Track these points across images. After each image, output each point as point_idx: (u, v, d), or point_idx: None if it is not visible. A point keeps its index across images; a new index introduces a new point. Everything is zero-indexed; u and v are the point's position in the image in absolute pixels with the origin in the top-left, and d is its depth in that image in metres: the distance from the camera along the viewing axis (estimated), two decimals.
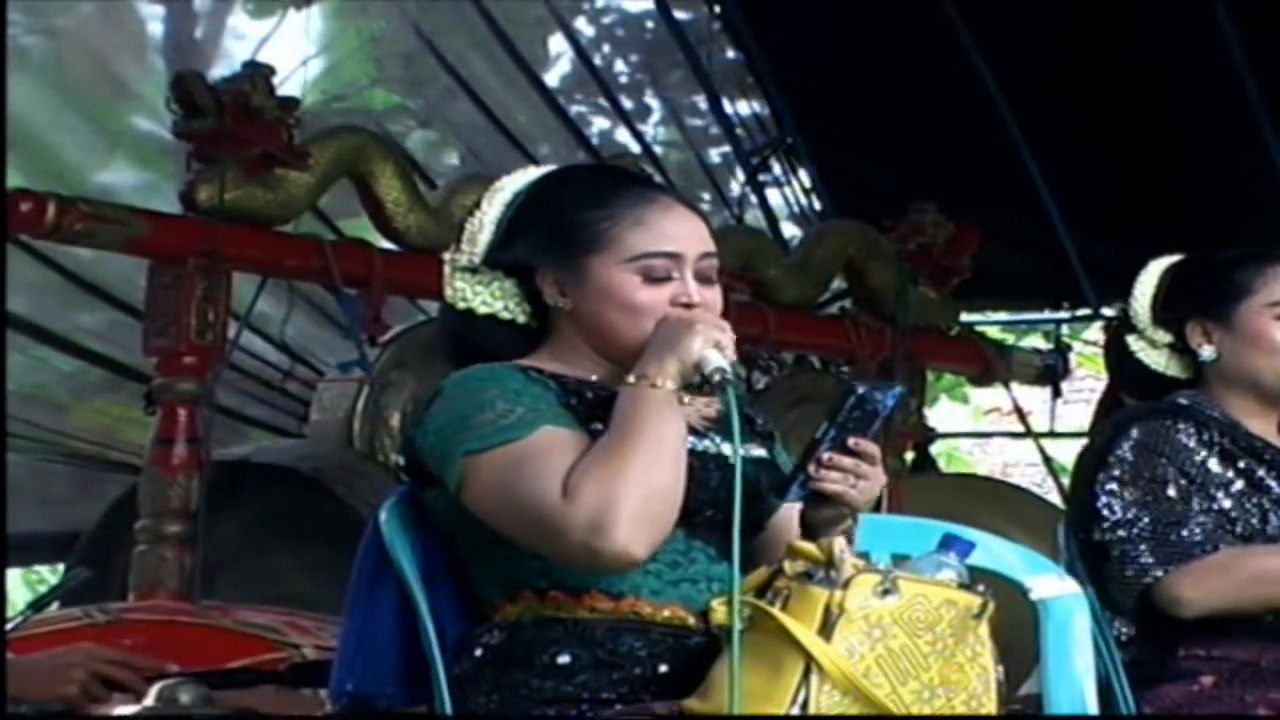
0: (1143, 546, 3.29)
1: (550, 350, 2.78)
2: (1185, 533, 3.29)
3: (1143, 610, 3.32)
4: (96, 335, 6.93)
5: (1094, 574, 3.33)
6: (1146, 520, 3.30)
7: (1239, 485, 3.35)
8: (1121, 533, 3.31)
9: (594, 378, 2.75)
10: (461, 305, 2.80)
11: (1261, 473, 3.36)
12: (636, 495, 2.55)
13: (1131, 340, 3.51)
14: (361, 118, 7.30)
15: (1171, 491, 3.31)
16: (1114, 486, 3.33)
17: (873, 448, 2.70)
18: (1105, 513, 3.32)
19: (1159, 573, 3.28)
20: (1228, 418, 3.40)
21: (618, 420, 2.61)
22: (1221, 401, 3.42)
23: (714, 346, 2.64)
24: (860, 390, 2.68)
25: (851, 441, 2.67)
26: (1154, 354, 3.50)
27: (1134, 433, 3.36)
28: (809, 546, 2.60)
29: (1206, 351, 3.46)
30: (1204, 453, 3.35)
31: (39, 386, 6.87)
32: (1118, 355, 3.56)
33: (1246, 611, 3.32)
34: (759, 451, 2.80)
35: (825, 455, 2.67)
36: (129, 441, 6.84)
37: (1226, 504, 3.33)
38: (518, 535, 2.62)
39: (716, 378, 2.62)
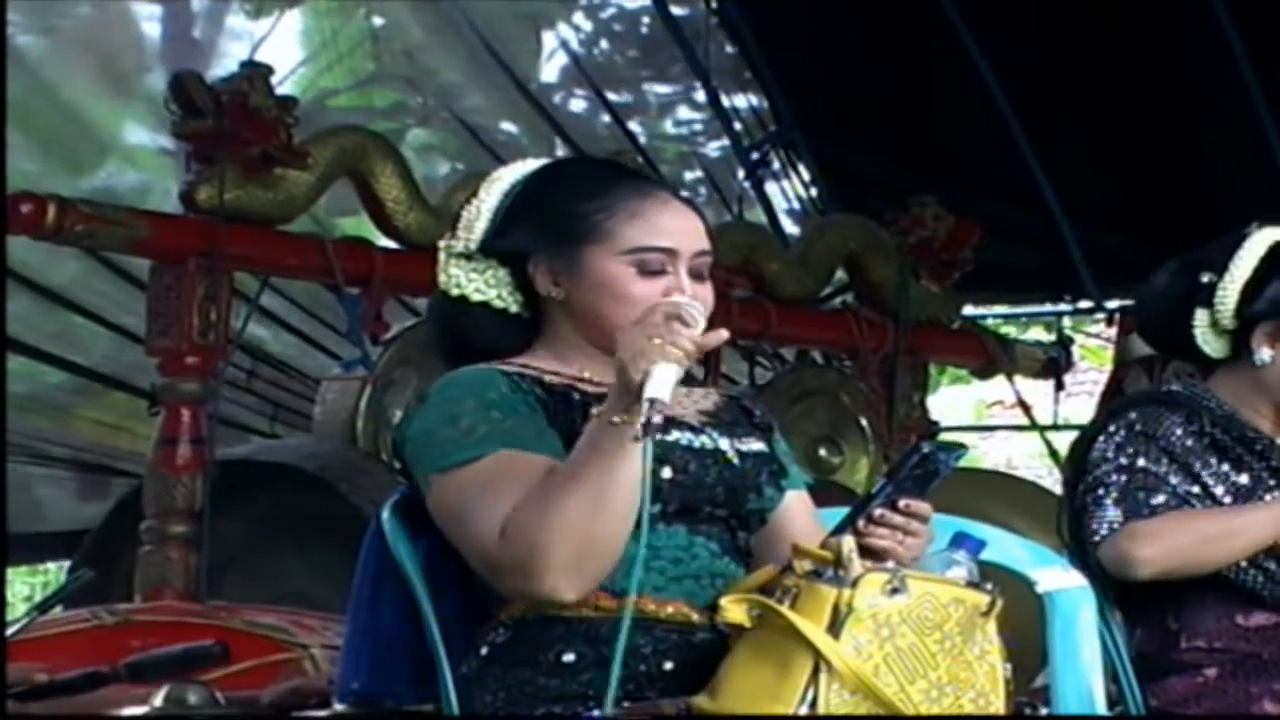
0: (1109, 503, 3.27)
1: (544, 345, 2.78)
2: (1153, 499, 3.27)
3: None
4: (55, 339, 6.94)
5: (1083, 546, 3.32)
6: (1122, 480, 3.28)
7: (1228, 472, 3.34)
8: (1098, 491, 3.29)
9: (586, 374, 2.74)
10: (455, 292, 2.79)
11: (1250, 461, 3.35)
12: (567, 543, 2.54)
13: (1200, 315, 3.39)
14: (360, 115, 7.32)
15: (1149, 464, 3.30)
16: (1100, 462, 3.32)
17: (926, 508, 2.67)
18: (1089, 479, 3.31)
19: (1116, 525, 3.26)
20: (1224, 409, 3.38)
21: (572, 458, 2.58)
22: (1232, 398, 3.39)
23: (664, 361, 2.52)
24: (925, 449, 2.66)
25: (903, 503, 2.64)
26: (1210, 335, 3.40)
27: (1127, 418, 3.35)
28: (816, 548, 2.60)
29: (1265, 355, 3.38)
30: (1192, 440, 3.34)
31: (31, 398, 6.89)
32: (1172, 323, 3.44)
33: (1197, 572, 3.27)
34: (757, 445, 2.80)
35: (877, 511, 2.64)
36: (111, 446, 6.86)
37: (1217, 489, 3.32)
38: (466, 558, 2.65)
39: (646, 409, 2.50)
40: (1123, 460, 3.30)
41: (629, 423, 2.51)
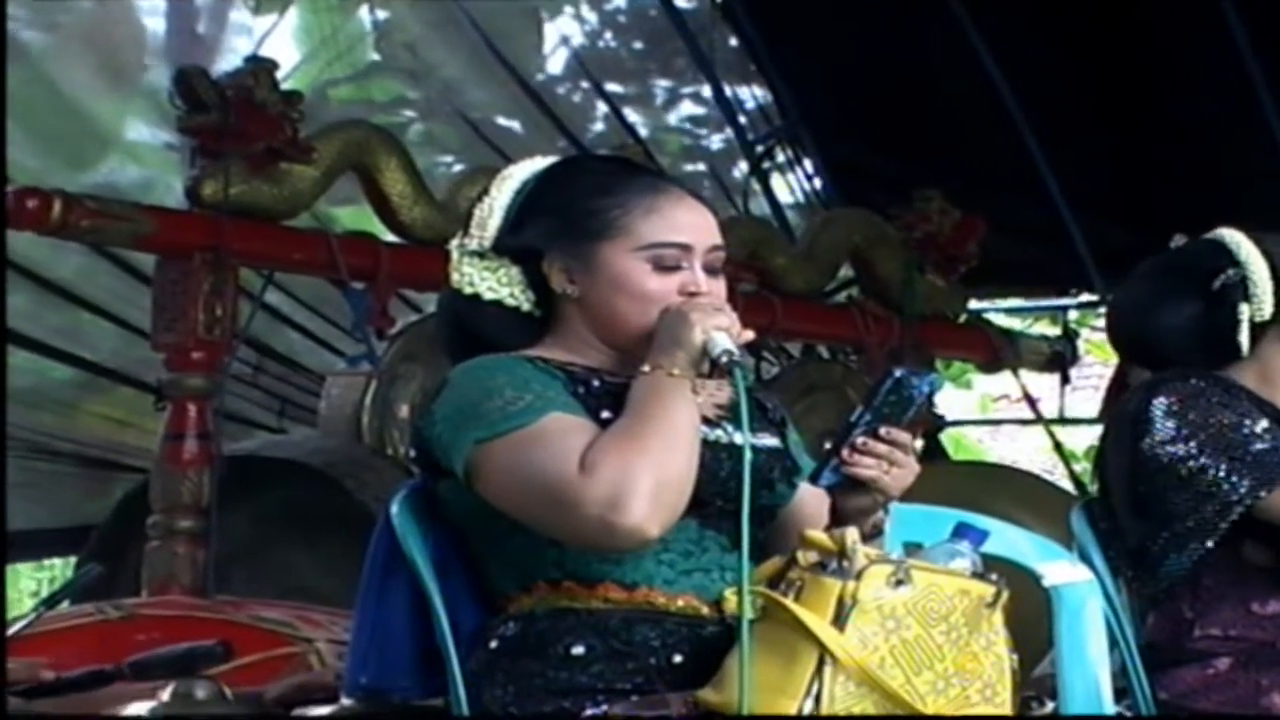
0: (1225, 468, 3.26)
1: (556, 339, 2.78)
2: (1257, 447, 3.28)
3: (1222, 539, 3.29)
4: (62, 334, 6.94)
5: (1156, 520, 3.31)
6: (1223, 447, 3.28)
7: (1270, 427, 3.34)
8: (1203, 460, 3.28)
9: (601, 367, 2.75)
10: (468, 290, 2.79)
11: None
12: (653, 475, 2.56)
13: (1244, 310, 3.40)
14: (362, 109, 7.32)
15: (1224, 420, 3.30)
16: (1168, 433, 3.31)
17: (906, 436, 2.69)
18: (1172, 451, 3.30)
19: (1264, 492, 3.25)
20: (1246, 389, 3.40)
21: (632, 405, 2.63)
22: (1255, 386, 3.41)
23: (716, 330, 2.65)
24: (898, 374, 2.68)
25: (884, 430, 2.66)
26: (1246, 329, 3.40)
27: (1168, 388, 3.35)
28: (822, 537, 2.60)
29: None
30: (1230, 402, 3.34)
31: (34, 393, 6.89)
32: (1225, 323, 3.43)
33: None
34: (771, 440, 2.81)
35: (859, 440, 2.66)
36: (118, 441, 6.86)
37: (1267, 444, 3.32)
38: (530, 514, 2.62)
39: (724, 360, 2.64)
40: (1203, 430, 3.30)
41: (686, 377, 2.63)
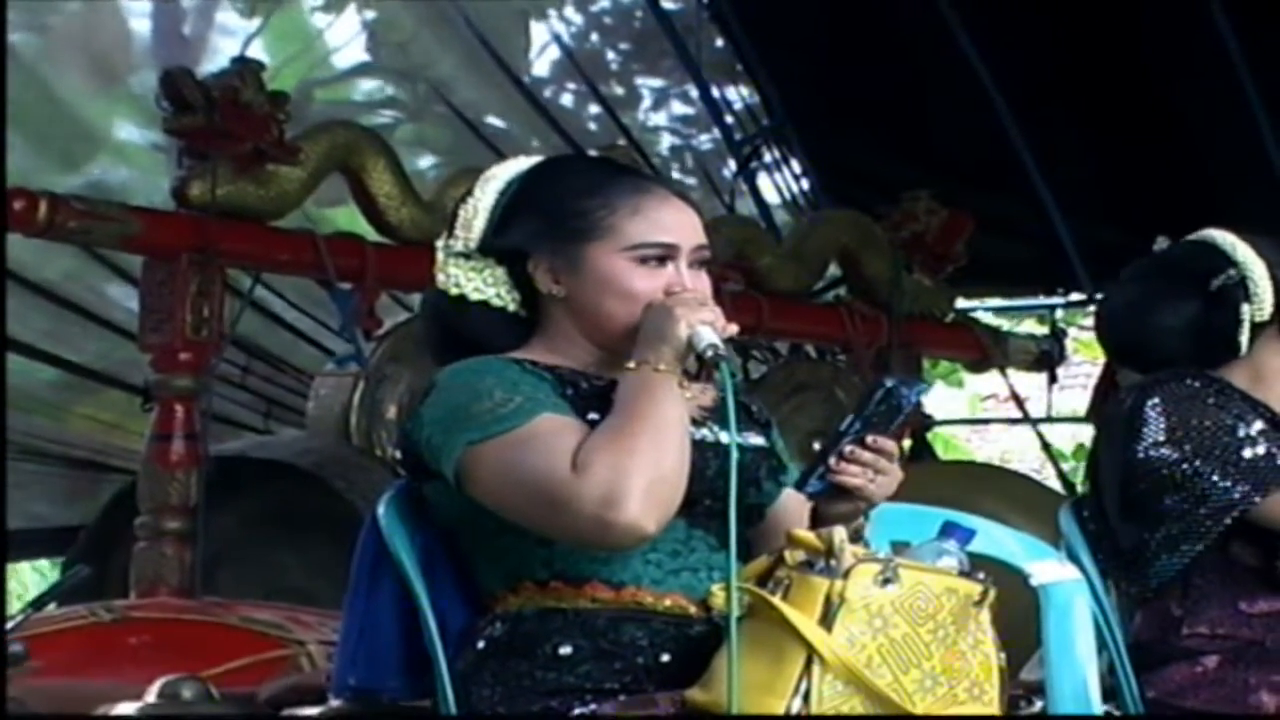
0: (1218, 474, 3.27)
1: (542, 341, 2.78)
2: (1249, 453, 3.28)
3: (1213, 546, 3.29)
4: (47, 336, 6.93)
5: (1147, 522, 3.31)
6: (1216, 452, 3.28)
7: (1264, 429, 3.34)
8: (1196, 464, 3.27)
9: (588, 368, 2.76)
10: (454, 291, 2.79)
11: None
12: (646, 472, 2.56)
13: (1245, 310, 3.41)
14: (352, 109, 7.32)
15: (1218, 423, 3.30)
16: (1161, 435, 3.31)
17: (892, 445, 2.69)
18: (1165, 454, 3.29)
19: (1258, 498, 3.26)
20: (1239, 390, 3.40)
21: (621, 403, 2.63)
22: (1247, 385, 3.41)
23: (701, 324, 2.65)
24: (888, 384, 2.68)
25: (870, 439, 2.66)
26: (1247, 329, 3.41)
27: (1162, 389, 3.35)
28: (809, 535, 2.60)
29: None
30: (1224, 405, 3.34)
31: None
32: (1226, 323, 3.43)
33: None
34: (757, 439, 2.81)
35: (846, 449, 2.66)
36: (105, 443, 6.85)
37: (1260, 450, 3.32)
38: (525, 515, 2.62)
39: (709, 354, 2.64)
40: (1197, 433, 3.30)
41: (672, 372, 2.63)
